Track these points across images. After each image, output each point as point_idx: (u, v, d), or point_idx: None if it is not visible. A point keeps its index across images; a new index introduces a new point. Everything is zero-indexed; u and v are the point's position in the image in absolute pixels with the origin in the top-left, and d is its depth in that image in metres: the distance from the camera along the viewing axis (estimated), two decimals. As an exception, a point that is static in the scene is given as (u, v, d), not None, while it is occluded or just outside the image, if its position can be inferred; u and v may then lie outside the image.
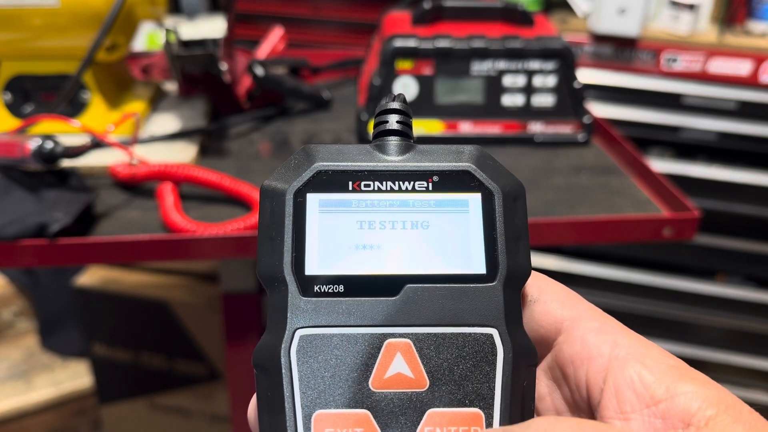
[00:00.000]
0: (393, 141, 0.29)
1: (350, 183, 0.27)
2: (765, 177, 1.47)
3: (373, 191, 0.27)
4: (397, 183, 0.28)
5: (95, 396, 1.28)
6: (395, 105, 0.29)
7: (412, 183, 0.28)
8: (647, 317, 1.57)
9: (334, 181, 0.27)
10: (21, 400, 1.41)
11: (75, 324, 1.49)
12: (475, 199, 0.28)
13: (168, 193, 0.69)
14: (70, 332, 1.51)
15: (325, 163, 0.28)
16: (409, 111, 0.30)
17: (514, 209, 0.28)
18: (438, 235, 0.27)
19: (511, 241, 0.27)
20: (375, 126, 0.30)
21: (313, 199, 0.27)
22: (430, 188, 0.28)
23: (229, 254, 0.67)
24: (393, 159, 0.28)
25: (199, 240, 0.64)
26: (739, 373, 1.58)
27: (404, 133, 0.29)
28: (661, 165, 1.47)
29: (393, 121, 0.29)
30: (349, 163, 0.28)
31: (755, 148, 1.46)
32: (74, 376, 1.47)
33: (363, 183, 0.27)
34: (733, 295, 1.55)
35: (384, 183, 0.28)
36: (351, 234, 0.27)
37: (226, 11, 0.88)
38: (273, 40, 1.09)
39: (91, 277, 1.17)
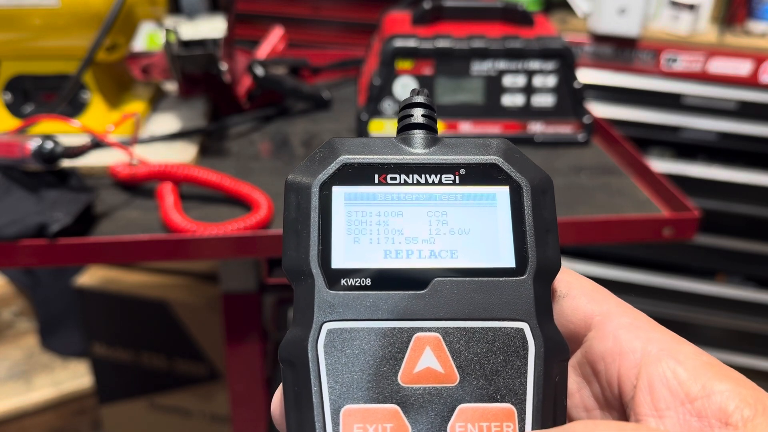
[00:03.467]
0: (419, 134, 0.28)
1: (376, 176, 0.27)
2: (765, 177, 1.47)
3: (400, 184, 0.27)
4: (423, 176, 0.27)
5: (95, 396, 1.28)
6: (420, 99, 0.29)
7: (438, 176, 0.27)
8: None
9: (359, 174, 0.27)
10: (21, 400, 1.41)
11: (75, 324, 1.49)
12: (503, 192, 0.27)
13: (168, 193, 0.69)
14: (70, 332, 1.51)
15: (350, 156, 0.27)
16: (433, 105, 0.30)
17: (543, 202, 0.28)
18: (466, 228, 0.27)
19: (541, 234, 0.27)
20: (399, 120, 0.29)
21: (338, 192, 0.27)
22: (457, 181, 0.27)
23: (229, 254, 0.67)
24: (419, 152, 0.28)
25: (199, 240, 0.64)
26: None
27: (429, 126, 0.29)
28: (661, 165, 1.47)
29: (418, 115, 0.29)
30: (375, 156, 0.27)
31: (755, 148, 1.46)
32: (74, 376, 1.47)
33: (389, 176, 0.27)
34: (733, 295, 1.55)
35: (410, 176, 0.27)
36: (377, 227, 0.27)
37: (226, 11, 0.87)
38: (273, 40, 1.09)
39: (91, 277, 1.17)
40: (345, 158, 0.27)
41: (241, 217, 0.67)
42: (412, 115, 0.29)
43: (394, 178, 0.27)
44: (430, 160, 0.28)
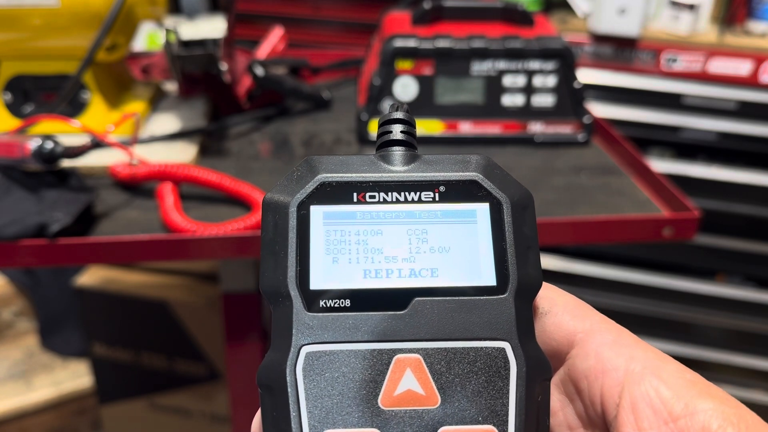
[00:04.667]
0: (398, 151, 0.28)
1: (355, 194, 0.27)
2: (765, 177, 1.47)
3: (379, 203, 0.27)
4: (402, 194, 0.27)
5: (95, 396, 1.28)
6: (399, 115, 0.29)
7: (418, 194, 0.27)
8: (647, 317, 1.57)
9: (338, 193, 0.27)
10: (21, 400, 1.41)
11: (75, 324, 1.49)
12: (483, 209, 0.27)
13: (168, 193, 0.69)
14: (70, 332, 1.51)
15: (328, 175, 0.27)
16: (412, 120, 0.29)
17: (523, 219, 0.27)
18: (446, 246, 0.26)
19: (521, 251, 0.26)
20: (378, 136, 0.29)
21: (317, 212, 0.27)
22: (437, 199, 0.27)
23: (229, 254, 0.67)
24: (398, 169, 0.28)
25: (199, 240, 0.64)
26: (739, 373, 1.58)
27: (409, 143, 0.28)
28: (661, 165, 1.47)
29: (397, 131, 0.28)
30: (354, 175, 0.27)
31: (755, 148, 1.46)
32: (74, 376, 1.47)
33: (368, 194, 0.27)
34: (733, 295, 1.55)
35: (389, 194, 0.27)
36: (357, 247, 0.26)
37: (226, 11, 0.87)
38: (273, 40, 1.09)
39: (91, 277, 1.17)
40: (323, 177, 0.27)
41: (241, 217, 0.67)
42: (390, 132, 0.29)
43: (373, 197, 0.27)
44: (410, 178, 0.27)
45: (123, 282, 1.15)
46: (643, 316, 1.56)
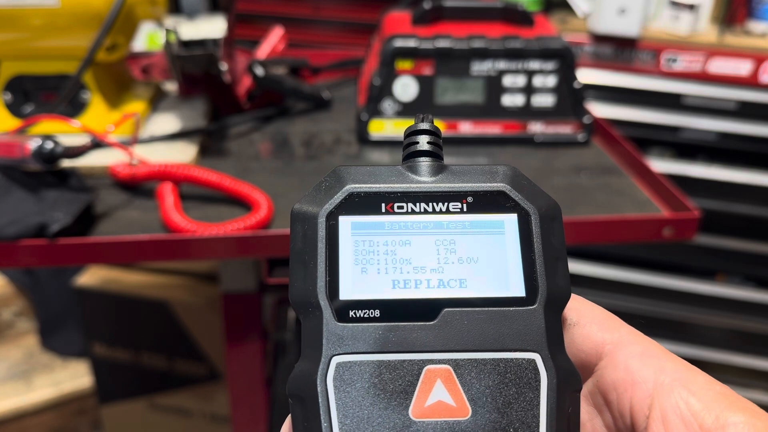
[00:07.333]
0: (425, 162, 0.28)
1: (383, 205, 0.27)
2: (765, 177, 1.47)
3: (407, 213, 0.27)
4: (430, 204, 0.27)
5: (95, 396, 1.28)
6: (425, 125, 0.29)
7: (446, 204, 0.27)
8: (647, 317, 1.57)
9: (366, 204, 0.27)
10: (21, 400, 1.41)
11: (75, 324, 1.49)
12: (511, 219, 0.27)
13: (168, 193, 0.69)
14: (70, 332, 1.51)
15: (356, 185, 0.27)
16: (438, 131, 0.29)
17: (551, 229, 0.27)
18: (474, 257, 0.27)
19: (550, 262, 0.26)
20: (405, 147, 0.29)
21: (345, 222, 0.27)
22: (465, 209, 0.27)
23: (229, 254, 0.67)
24: (425, 180, 0.28)
25: (199, 240, 0.64)
26: (739, 373, 1.58)
27: (435, 153, 0.29)
28: (661, 165, 1.47)
29: (424, 142, 0.29)
30: (381, 185, 0.27)
31: (755, 148, 1.46)
32: (74, 376, 1.47)
33: (396, 205, 0.27)
34: (733, 295, 1.55)
35: (417, 204, 0.27)
36: (385, 257, 0.26)
37: (226, 11, 0.87)
38: (273, 40, 1.09)
39: (91, 277, 1.17)
40: (351, 187, 0.27)
41: (241, 217, 0.67)
42: (417, 143, 0.29)
43: (401, 207, 0.27)
44: (437, 188, 0.27)
45: (123, 282, 1.15)
46: (643, 317, 1.56)
